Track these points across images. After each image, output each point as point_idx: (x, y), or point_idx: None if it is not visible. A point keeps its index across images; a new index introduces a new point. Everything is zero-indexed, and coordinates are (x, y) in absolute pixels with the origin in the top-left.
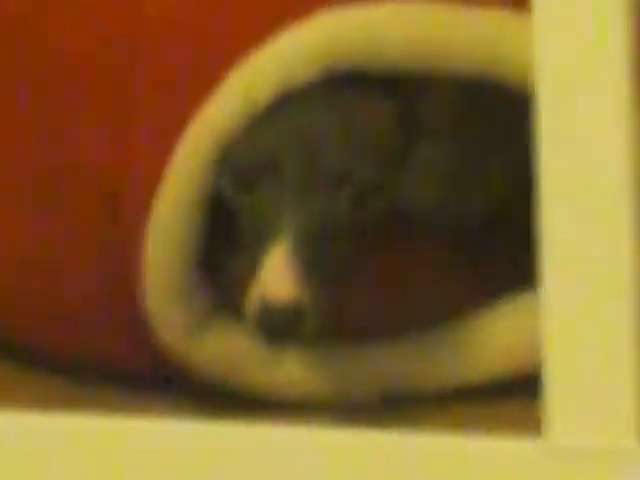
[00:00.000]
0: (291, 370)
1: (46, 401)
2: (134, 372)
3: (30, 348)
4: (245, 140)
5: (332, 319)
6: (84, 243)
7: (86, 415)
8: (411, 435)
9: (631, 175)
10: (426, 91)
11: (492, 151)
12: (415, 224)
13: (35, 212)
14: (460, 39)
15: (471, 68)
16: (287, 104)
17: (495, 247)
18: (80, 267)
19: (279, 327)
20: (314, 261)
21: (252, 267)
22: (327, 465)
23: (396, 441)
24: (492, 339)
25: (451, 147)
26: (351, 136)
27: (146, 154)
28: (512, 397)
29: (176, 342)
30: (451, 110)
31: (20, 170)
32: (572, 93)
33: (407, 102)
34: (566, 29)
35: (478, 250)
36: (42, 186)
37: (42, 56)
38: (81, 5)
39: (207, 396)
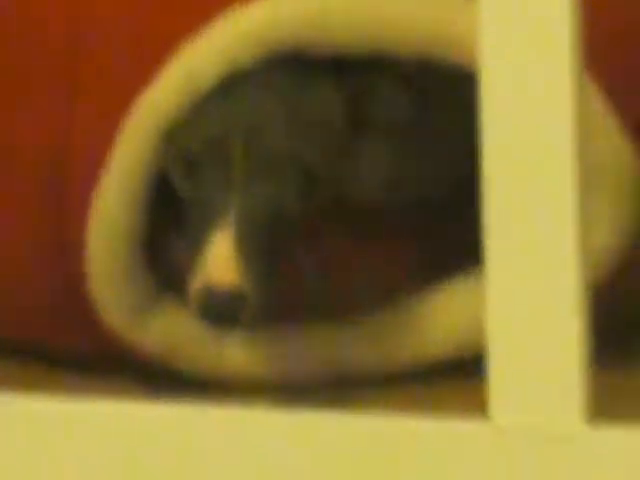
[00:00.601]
0: (235, 352)
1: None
2: (81, 355)
3: None
4: (190, 122)
5: (274, 303)
6: (27, 227)
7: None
8: (356, 416)
9: (574, 155)
10: (373, 89)
11: (438, 141)
12: (360, 209)
13: None
14: (405, 19)
15: (417, 49)
16: (233, 86)
17: (440, 230)
18: (25, 254)
19: (221, 312)
20: (257, 247)
21: (196, 251)
22: (270, 446)
23: (342, 422)
24: (438, 320)
25: (395, 143)
26: (300, 123)
27: (89, 136)
28: (458, 377)
29: (120, 325)
30: (397, 109)
31: None
32: (517, 74)
33: (355, 100)
34: (511, 9)
35: (423, 233)
36: None
37: None
38: None
39: (152, 378)
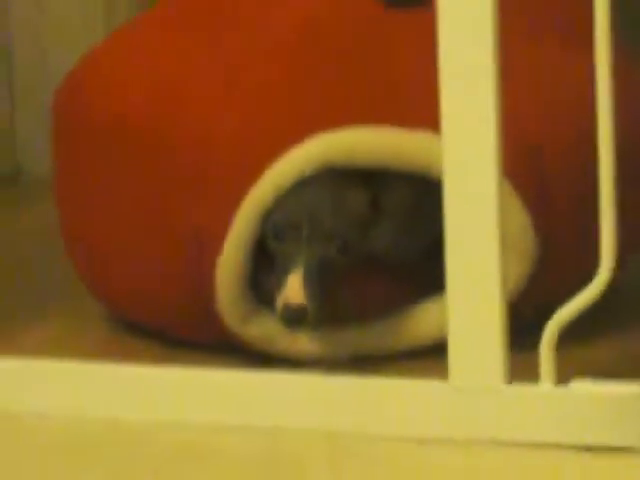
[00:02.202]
0: (302, 341)
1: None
2: (207, 342)
3: (136, 322)
4: (278, 209)
5: (327, 314)
6: (181, 272)
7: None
8: (352, 378)
9: (497, 229)
10: (387, 188)
11: (427, 220)
12: (379, 259)
13: (143, 255)
14: (405, 150)
15: (414, 168)
16: (301, 186)
17: (424, 268)
18: (180, 287)
19: (292, 319)
20: (314, 283)
21: (280, 283)
22: (323, 394)
23: (346, 383)
24: (418, 323)
25: (401, 222)
26: (339, 210)
27: (218, 214)
28: (428, 357)
29: (235, 324)
30: (403, 201)
31: (131, 227)
32: (464, 186)
33: (375, 194)
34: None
35: (414, 270)
36: (149, 237)
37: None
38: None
39: (253, 358)
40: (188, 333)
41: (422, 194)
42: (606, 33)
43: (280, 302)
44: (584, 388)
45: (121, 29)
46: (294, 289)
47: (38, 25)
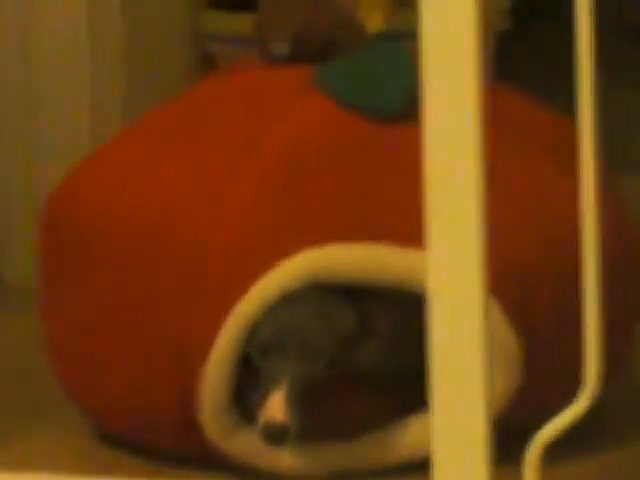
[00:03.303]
0: (286, 457)
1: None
2: (191, 456)
3: (119, 435)
4: (262, 325)
5: (307, 431)
6: (164, 385)
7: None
8: None
9: (483, 346)
10: (375, 307)
11: (415, 339)
12: (364, 376)
13: (126, 366)
14: (390, 265)
15: (399, 284)
16: (290, 302)
17: (409, 384)
18: (164, 400)
19: (273, 438)
20: (297, 401)
21: (263, 399)
22: None
23: None
24: (403, 439)
25: (389, 341)
26: (326, 329)
27: (204, 328)
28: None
29: (217, 438)
30: (391, 320)
31: (114, 338)
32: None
33: (363, 313)
34: None
35: (399, 386)
36: (133, 348)
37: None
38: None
39: (236, 472)
40: (171, 446)
41: (410, 313)
42: (590, 157)
43: (262, 419)
44: None
45: (111, 141)
46: (276, 407)
47: (23, 135)
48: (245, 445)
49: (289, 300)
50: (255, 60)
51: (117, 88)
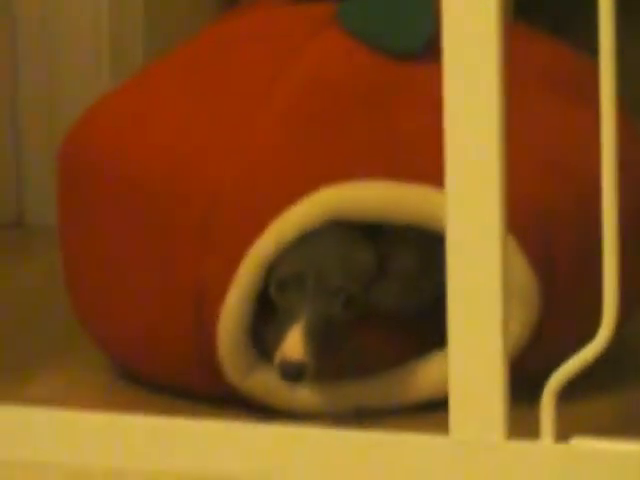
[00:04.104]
0: (303, 395)
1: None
2: (208, 393)
3: (138, 372)
4: (282, 261)
5: (328, 368)
6: (182, 324)
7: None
8: (352, 432)
9: (501, 283)
10: (394, 247)
11: (432, 278)
12: (382, 315)
13: (146, 305)
14: (408, 203)
15: (416, 221)
16: (309, 240)
17: (427, 323)
18: (182, 338)
19: (290, 375)
20: (315, 338)
21: (280, 336)
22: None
23: (344, 436)
24: (421, 377)
25: (407, 281)
26: (345, 267)
27: (222, 266)
28: (434, 411)
29: (235, 377)
30: (409, 261)
31: (134, 277)
32: (469, 245)
33: (381, 253)
34: None
35: (417, 325)
36: (152, 287)
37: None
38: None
39: (254, 410)
40: (190, 384)
41: (428, 253)
42: (611, 90)
43: (278, 357)
44: (585, 445)
45: (127, 83)
46: (293, 344)
47: (44, 73)
48: (263, 383)
49: (308, 238)
50: None
51: (137, 27)
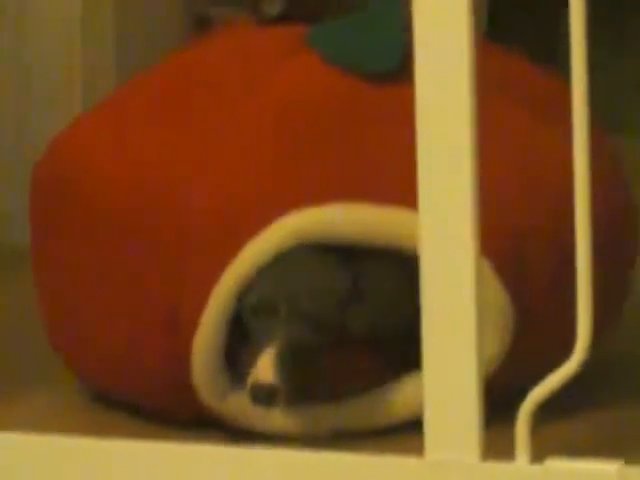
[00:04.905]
0: (278, 417)
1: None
2: (183, 416)
3: (110, 393)
4: (255, 285)
5: (298, 393)
6: (156, 347)
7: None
8: (325, 454)
9: (474, 304)
10: (367, 269)
11: (406, 301)
12: (356, 338)
13: (119, 331)
14: (381, 226)
15: (390, 244)
16: (282, 264)
17: (401, 345)
18: (155, 361)
19: (260, 399)
20: (287, 363)
21: (253, 359)
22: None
23: (320, 459)
24: (396, 399)
25: (380, 303)
26: (318, 291)
27: (196, 290)
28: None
29: (211, 399)
30: (382, 282)
31: (108, 303)
32: (442, 268)
33: (355, 275)
34: None
35: (391, 347)
36: (126, 313)
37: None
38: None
39: (229, 433)
40: (164, 408)
41: (404, 274)
42: (584, 109)
43: (250, 380)
44: (560, 465)
45: (100, 105)
46: (265, 368)
47: (17, 94)
48: (238, 406)
49: (281, 262)
50: (248, 21)
51: (109, 51)
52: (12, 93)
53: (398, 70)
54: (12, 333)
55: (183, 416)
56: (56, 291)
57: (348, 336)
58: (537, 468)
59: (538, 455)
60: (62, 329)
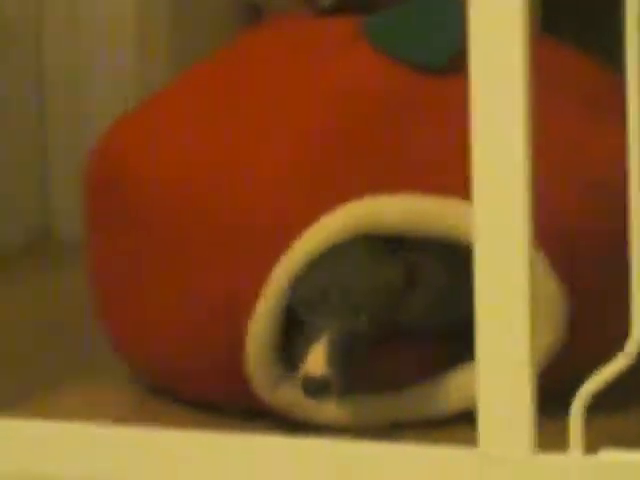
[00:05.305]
0: (330, 409)
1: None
2: (236, 407)
3: (165, 384)
4: (309, 276)
5: (351, 385)
6: (211, 338)
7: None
8: (375, 444)
9: (527, 297)
10: (421, 262)
11: (459, 294)
12: (409, 330)
13: (175, 318)
14: (433, 216)
15: (442, 235)
16: (335, 256)
17: (455, 336)
18: (211, 352)
19: (312, 391)
20: (339, 355)
21: (305, 351)
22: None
23: (365, 448)
24: (449, 391)
25: (433, 296)
26: (371, 284)
27: (250, 280)
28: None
29: (263, 390)
30: (436, 276)
31: (164, 291)
32: (496, 256)
33: (408, 268)
34: None
35: (445, 338)
36: (181, 301)
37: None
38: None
39: (283, 424)
40: (218, 398)
41: (456, 265)
42: (638, 105)
43: (302, 372)
44: (613, 457)
45: (151, 98)
46: (316, 361)
47: (73, 87)
48: (291, 397)
49: (334, 253)
50: (301, 11)
51: (163, 39)
52: (65, 93)
53: (452, 62)
54: (64, 323)
55: (235, 407)
56: (112, 285)
57: (401, 328)
58: (591, 460)
59: (592, 447)
60: (119, 321)
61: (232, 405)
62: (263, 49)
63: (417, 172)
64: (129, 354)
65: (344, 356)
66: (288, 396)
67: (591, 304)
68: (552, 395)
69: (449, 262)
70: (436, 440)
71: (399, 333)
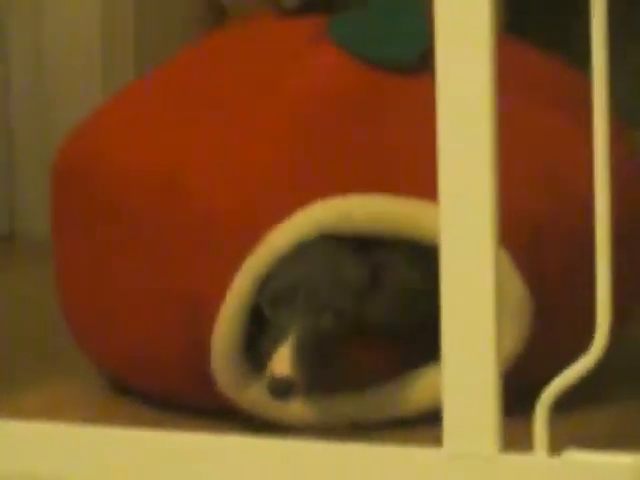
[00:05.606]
0: (296, 408)
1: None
2: (201, 406)
3: (130, 383)
4: (274, 276)
5: (316, 384)
6: (176, 337)
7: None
8: (340, 445)
9: (494, 296)
10: (386, 261)
11: (425, 294)
12: (374, 329)
13: (139, 318)
14: (399, 217)
15: (409, 234)
16: (300, 255)
17: (420, 336)
18: (176, 351)
19: (277, 391)
20: (305, 355)
21: (271, 352)
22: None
23: (330, 449)
24: (414, 390)
25: (399, 295)
26: (336, 282)
27: (216, 280)
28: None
29: (229, 389)
30: (401, 275)
31: (128, 291)
32: (463, 256)
33: (374, 267)
34: None
35: (410, 338)
36: (146, 301)
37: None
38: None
39: (248, 423)
40: (184, 398)
41: (421, 267)
42: (604, 103)
43: (268, 373)
44: (578, 457)
45: (118, 97)
46: (282, 361)
47: (37, 86)
48: (257, 396)
49: (301, 252)
50: (266, 11)
51: (128, 39)
52: (33, 88)
53: (418, 61)
54: (29, 323)
55: (201, 406)
56: (77, 282)
57: (366, 327)
58: (555, 460)
59: (557, 447)
60: (83, 319)
61: (200, 405)
62: (227, 50)
63: (385, 173)
64: (92, 351)
65: (310, 356)
66: (254, 396)
67: (556, 303)
68: (521, 395)
69: (416, 263)
70: (402, 440)
71: (365, 333)
